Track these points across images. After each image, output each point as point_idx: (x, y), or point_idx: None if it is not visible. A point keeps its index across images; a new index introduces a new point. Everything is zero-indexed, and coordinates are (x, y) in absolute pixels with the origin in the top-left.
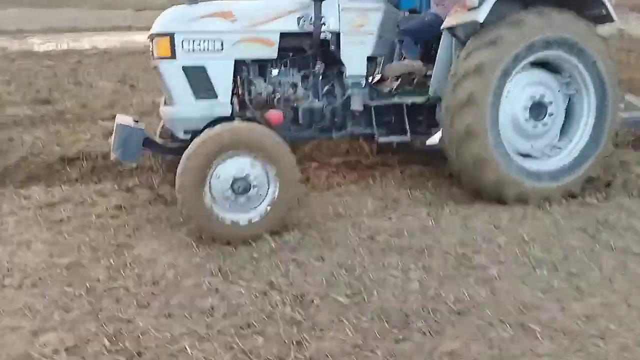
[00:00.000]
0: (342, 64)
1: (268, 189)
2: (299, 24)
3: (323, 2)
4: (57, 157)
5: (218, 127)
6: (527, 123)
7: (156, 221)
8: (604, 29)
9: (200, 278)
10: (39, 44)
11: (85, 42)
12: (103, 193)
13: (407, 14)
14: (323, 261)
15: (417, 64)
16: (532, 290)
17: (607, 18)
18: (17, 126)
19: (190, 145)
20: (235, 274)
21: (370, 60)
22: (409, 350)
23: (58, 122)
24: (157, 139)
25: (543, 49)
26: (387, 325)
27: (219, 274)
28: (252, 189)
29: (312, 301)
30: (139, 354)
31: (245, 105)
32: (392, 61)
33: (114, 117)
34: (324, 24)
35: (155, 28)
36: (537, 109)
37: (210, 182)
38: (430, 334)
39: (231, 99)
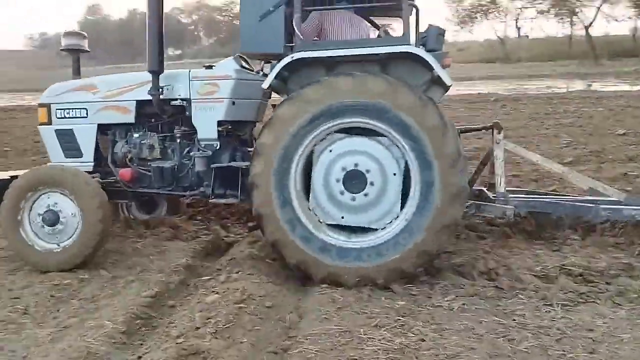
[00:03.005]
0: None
1: (78, 220)
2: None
3: (175, 73)
4: None
5: (27, 171)
6: (343, 196)
7: None
8: None
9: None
10: None
11: None
12: None
13: None
14: None
15: None
16: None
17: (441, 82)
18: None
19: None
20: None
21: (243, 124)
22: None
23: None
24: None
25: (332, 119)
26: None
27: None
28: (60, 221)
29: None
30: None
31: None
32: None
33: None
34: (162, 93)
35: (40, 100)
36: (356, 180)
37: (29, 217)
38: None
39: (96, 157)
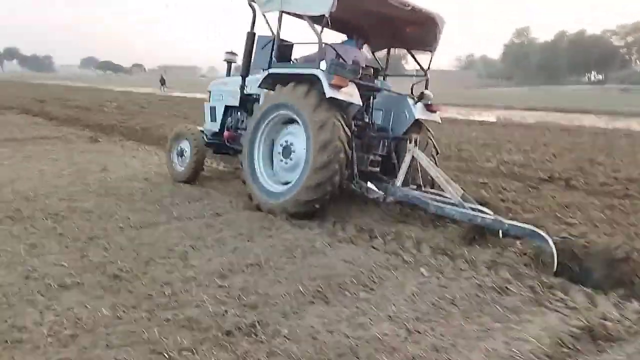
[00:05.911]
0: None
1: (189, 154)
2: None
3: (256, 77)
4: None
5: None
6: (278, 159)
7: None
8: None
9: None
10: None
11: None
12: None
13: None
14: None
15: None
16: None
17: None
18: None
19: None
20: None
21: None
22: None
23: None
24: None
25: (278, 110)
26: None
27: None
28: (185, 153)
29: None
30: None
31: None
32: None
33: None
34: (245, 89)
35: (208, 88)
36: (288, 151)
37: (175, 151)
38: None
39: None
